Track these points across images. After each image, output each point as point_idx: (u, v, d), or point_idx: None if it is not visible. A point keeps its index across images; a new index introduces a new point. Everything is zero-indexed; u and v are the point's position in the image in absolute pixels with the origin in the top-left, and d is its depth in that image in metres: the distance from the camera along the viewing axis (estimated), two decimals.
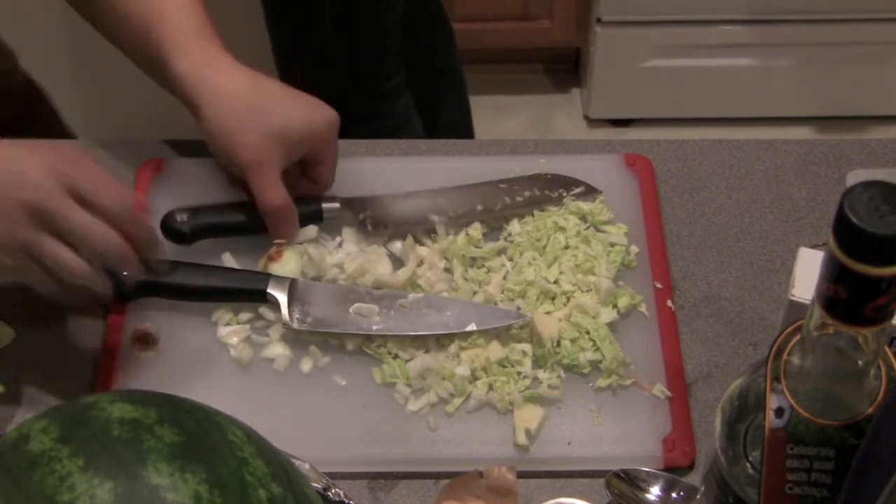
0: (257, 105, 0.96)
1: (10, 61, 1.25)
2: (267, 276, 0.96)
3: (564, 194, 1.03)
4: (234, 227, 1.01)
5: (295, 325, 0.94)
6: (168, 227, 1.00)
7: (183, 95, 0.97)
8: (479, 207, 1.02)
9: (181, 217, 1.00)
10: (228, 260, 0.99)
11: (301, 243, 1.00)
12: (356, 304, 0.95)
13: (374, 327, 0.95)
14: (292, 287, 0.96)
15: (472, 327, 0.94)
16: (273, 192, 0.97)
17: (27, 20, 1.41)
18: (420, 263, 1.00)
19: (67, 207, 0.84)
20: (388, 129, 1.25)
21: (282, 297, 0.95)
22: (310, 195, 1.01)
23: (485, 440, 0.90)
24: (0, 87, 1.22)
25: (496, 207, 1.02)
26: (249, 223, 1.00)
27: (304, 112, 0.98)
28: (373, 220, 1.00)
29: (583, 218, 1.02)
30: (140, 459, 0.64)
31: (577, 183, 1.04)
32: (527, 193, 1.03)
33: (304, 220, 1.00)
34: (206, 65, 0.97)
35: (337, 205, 1.01)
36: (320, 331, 0.95)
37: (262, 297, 0.95)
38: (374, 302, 0.96)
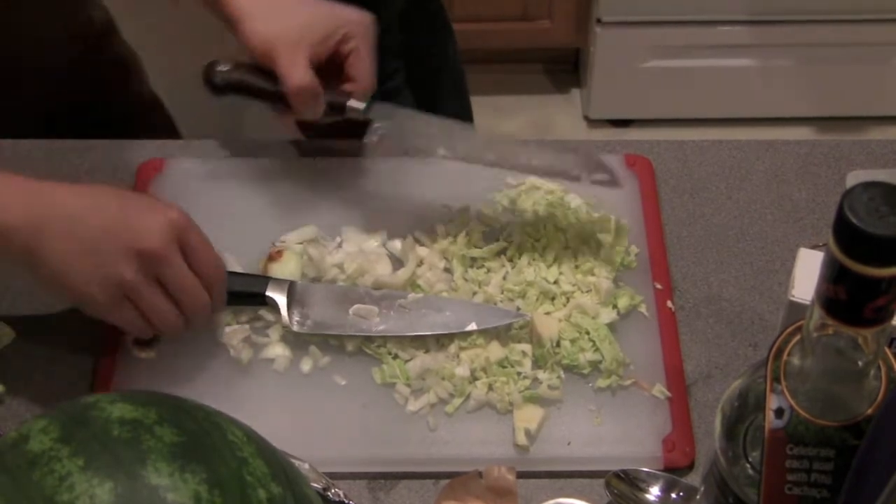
0: (288, 3, 1.00)
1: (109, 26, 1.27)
2: (266, 280, 0.96)
3: (584, 176, 1.01)
4: (264, 92, 1.01)
5: (295, 328, 0.94)
6: (206, 75, 1.03)
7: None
8: (491, 157, 1.01)
9: (220, 67, 1.03)
10: (229, 260, 0.99)
11: (301, 244, 1.00)
12: (356, 306, 0.95)
13: (375, 329, 0.95)
14: (291, 289, 0.96)
15: (472, 327, 0.94)
16: (298, 71, 0.97)
17: None
18: (420, 264, 1.00)
19: (177, 260, 0.88)
20: None
21: (281, 300, 0.95)
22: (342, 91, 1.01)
23: (484, 440, 0.90)
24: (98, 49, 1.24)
25: (508, 163, 1.01)
26: (278, 94, 1.00)
27: (334, 6, 1.01)
28: None
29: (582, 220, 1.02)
30: (140, 459, 0.64)
31: (603, 168, 1.00)
32: (547, 160, 1.01)
33: (330, 112, 1.01)
34: None
35: (363, 105, 1.01)
36: (320, 333, 0.95)
37: (262, 301, 0.95)
38: (373, 303, 0.95)
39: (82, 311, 0.90)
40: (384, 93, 1.23)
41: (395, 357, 0.94)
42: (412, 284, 0.98)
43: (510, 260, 1.00)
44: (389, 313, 0.95)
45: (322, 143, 1.12)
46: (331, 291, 0.97)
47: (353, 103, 1.01)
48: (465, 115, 1.38)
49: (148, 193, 0.98)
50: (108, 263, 0.86)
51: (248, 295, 0.96)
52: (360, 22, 1.00)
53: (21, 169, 1.10)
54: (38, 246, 0.86)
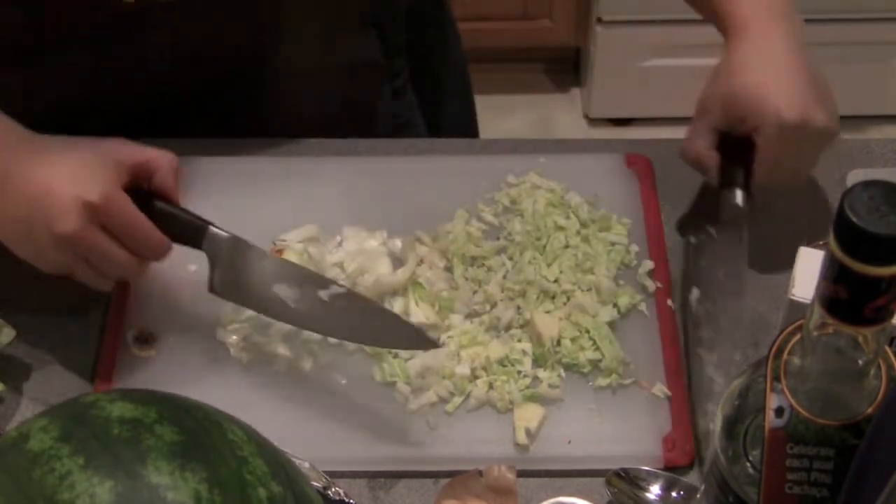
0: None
1: None
2: (205, 226, 0.93)
3: None
4: None
5: (213, 287, 0.93)
6: None
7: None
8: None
9: None
10: None
11: (301, 243, 1.00)
12: (279, 285, 0.91)
13: (292, 314, 0.91)
14: (234, 246, 0.93)
15: (379, 345, 0.93)
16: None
17: None
18: (420, 262, 1.00)
19: (93, 239, 0.88)
20: (391, 128, 1.25)
21: (212, 256, 0.93)
22: None
23: (485, 439, 0.90)
24: None
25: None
26: None
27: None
28: None
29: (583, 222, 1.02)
30: (140, 458, 0.64)
31: None
32: None
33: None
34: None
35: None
36: (231, 300, 0.93)
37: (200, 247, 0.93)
38: (297, 286, 0.91)
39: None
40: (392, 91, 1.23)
41: (396, 356, 0.94)
42: (413, 283, 0.98)
43: (510, 258, 1.00)
44: (312, 304, 0.91)
45: (322, 143, 1.12)
46: (268, 264, 0.93)
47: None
48: (469, 115, 1.38)
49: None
50: (38, 247, 0.89)
51: (187, 239, 0.93)
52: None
53: None
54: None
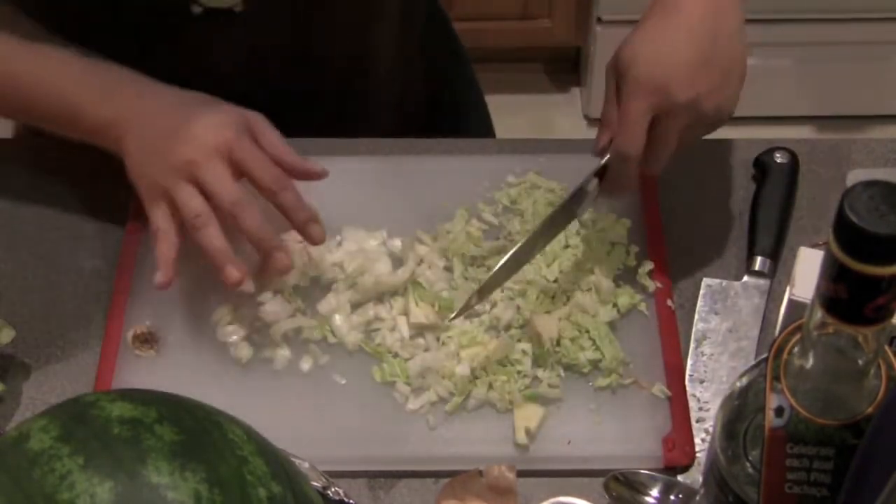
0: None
1: None
2: None
3: None
4: None
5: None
6: None
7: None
8: None
9: None
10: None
11: (301, 242, 1.00)
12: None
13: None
14: None
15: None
16: None
17: None
18: (420, 262, 1.00)
19: (213, 167, 0.91)
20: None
21: None
22: None
23: (484, 439, 0.90)
24: None
25: None
26: None
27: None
28: None
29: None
30: (140, 458, 0.64)
31: None
32: None
33: None
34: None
35: None
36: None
37: None
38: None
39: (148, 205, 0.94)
40: (406, 116, 1.24)
41: (396, 355, 0.94)
42: (413, 283, 0.98)
43: None
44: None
45: (322, 143, 1.12)
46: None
47: None
48: (486, 130, 1.38)
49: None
50: (156, 169, 0.93)
51: None
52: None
53: (22, 169, 1.11)
54: (123, 139, 0.95)
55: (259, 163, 0.93)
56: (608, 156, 0.94)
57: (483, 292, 0.92)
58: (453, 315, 0.93)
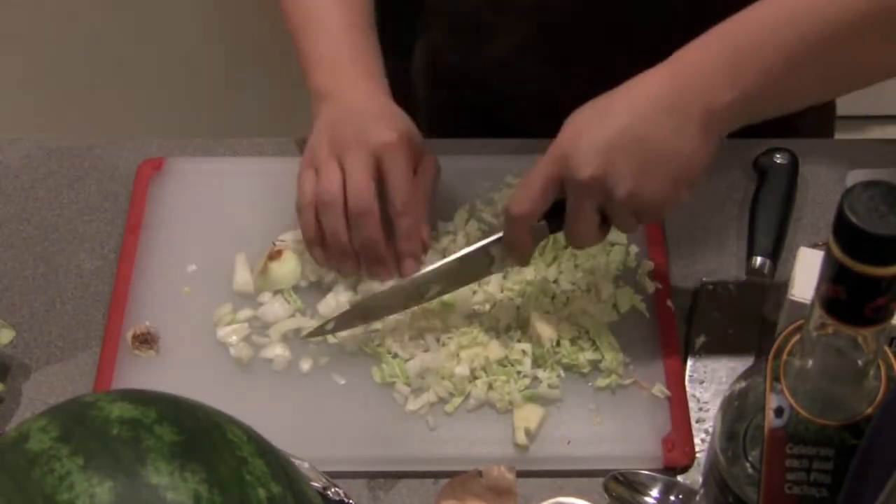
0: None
1: None
2: None
3: None
4: None
5: None
6: None
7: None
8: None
9: None
10: (231, 258, 1.00)
11: (301, 242, 1.00)
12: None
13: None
14: None
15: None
16: None
17: None
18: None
19: (360, 159, 0.95)
20: None
21: None
22: None
23: (484, 439, 0.90)
24: None
25: None
26: None
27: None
28: None
29: None
30: (139, 458, 0.64)
31: None
32: None
33: None
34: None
35: None
36: None
37: None
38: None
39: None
40: None
41: (395, 356, 0.94)
42: None
43: None
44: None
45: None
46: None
47: None
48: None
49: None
50: (321, 146, 0.97)
51: None
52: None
53: (18, 168, 1.11)
54: (317, 113, 1.00)
55: (402, 180, 0.95)
56: None
57: (351, 314, 0.94)
58: (306, 333, 0.94)
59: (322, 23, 1.03)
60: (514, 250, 0.91)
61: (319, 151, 0.97)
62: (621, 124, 0.82)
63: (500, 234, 0.91)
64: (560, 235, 0.99)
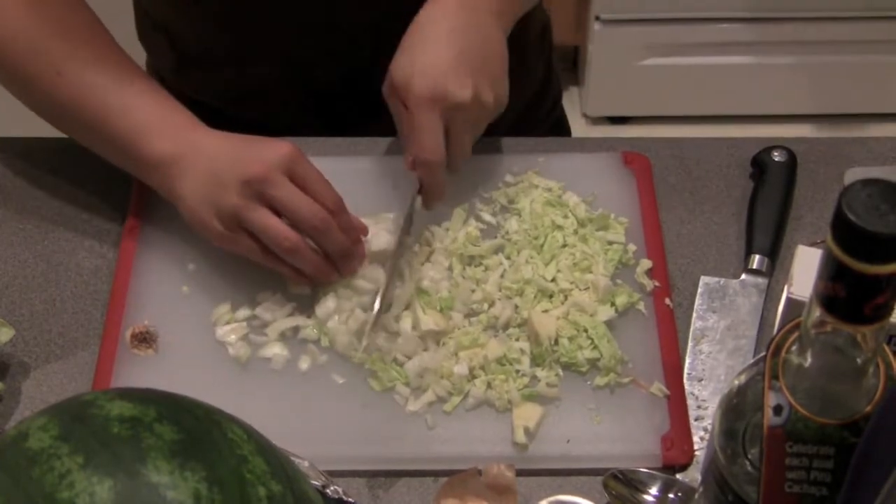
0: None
1: None
2: None
3: None
4: None
5: None
6: None
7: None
8: None
9: None
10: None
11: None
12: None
13: None
14: None
15: None
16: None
17: None
18: (424, 262, 1.00)
19: (282, 181, 0.92)
20: None
21: None
22: None
23: (483, 438, 0.90)
24: None
25: None
26: None
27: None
28: None
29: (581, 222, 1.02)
30: (139, 457, 0.64)
31: None
32: None
33: None
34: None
35: None
36: None
37: None
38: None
39: (214, 244, 0.96)
40: None
41: (394, 360, 0.94)
42: (417, 291, 0.98)
43: (508, 258, 1.00)
44: None
45: (321, 142, 1.12)
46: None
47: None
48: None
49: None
50: (221, 194, 0.92)
51: None
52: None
53: (18, 168, 1.11)
54: (176, 178, 0.95)
55: (319, 179, 0.94)
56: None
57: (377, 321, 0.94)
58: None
59: (110, 97, 0.98)
60: (437, 192, 0.99)
61: (224, 205, 0.92)
62: (455, 46, 0.95)
63: (416, 194, 0.99)
64: (556, 234, 0.99)
